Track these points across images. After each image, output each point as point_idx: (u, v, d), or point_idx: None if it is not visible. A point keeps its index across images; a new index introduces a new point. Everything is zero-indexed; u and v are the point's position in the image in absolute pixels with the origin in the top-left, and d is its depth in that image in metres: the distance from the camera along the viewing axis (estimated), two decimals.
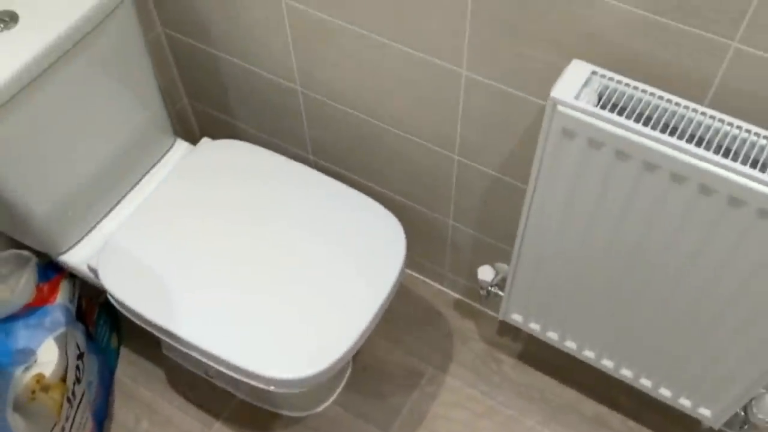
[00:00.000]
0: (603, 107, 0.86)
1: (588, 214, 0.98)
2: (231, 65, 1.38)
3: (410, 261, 1.62)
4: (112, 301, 1.19)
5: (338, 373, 1.50)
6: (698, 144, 0.83)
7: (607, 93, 0.87)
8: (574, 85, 0.87)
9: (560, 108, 0.86)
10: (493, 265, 1.37)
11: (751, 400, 1.20)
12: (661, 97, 0.86)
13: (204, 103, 1.56)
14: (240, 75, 1.39)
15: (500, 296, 1.35)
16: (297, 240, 1.21)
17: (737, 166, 0.80)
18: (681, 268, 0.97)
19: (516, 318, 1.32)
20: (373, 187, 1.44)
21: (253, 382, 1.11)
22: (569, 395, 1.50)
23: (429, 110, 1.18)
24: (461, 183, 1.28)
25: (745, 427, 1.25)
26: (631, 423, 1.47)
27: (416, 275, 1.66)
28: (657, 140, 0.82)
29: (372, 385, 1.52)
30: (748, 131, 0.83)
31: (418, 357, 1.56)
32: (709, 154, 0.81)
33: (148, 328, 1.17)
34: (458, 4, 0.97)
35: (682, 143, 0.82)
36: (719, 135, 0.84)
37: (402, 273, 1.20)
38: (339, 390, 1.51)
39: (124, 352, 1.57)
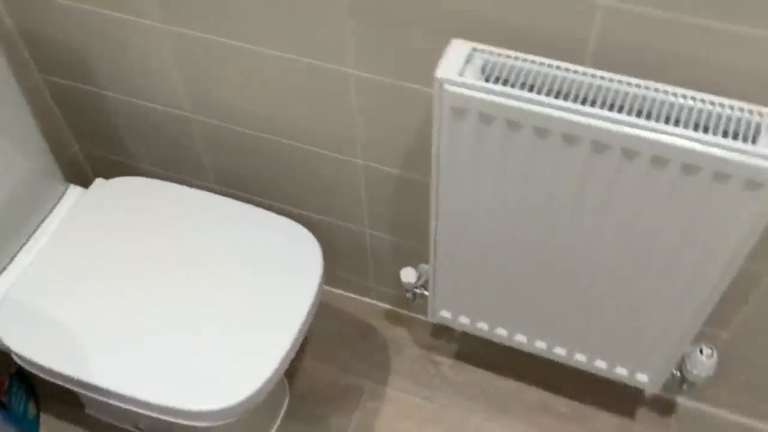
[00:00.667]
0: (488, 81, 0.86)
1: (494, 193, 0.98)
2: (119, 102, 1.33)
3: (334, 278, 1.59)
4: (18, 360, 1.11)
5: (275, 405, 1.45)
6: (584, 104, 0.84)
7: (489, 67, 0.88)
8: (457, 64, 0.86)
9: (446, 87, 0.86)
10: (415, 267, 1.35)
11: (683, 359, 1.22)
12: (542, 64, 0.86)
13: (96, 145, 1.50)
14: (130, 111, 1.34)
15: (427, 297, 1.34)
16: (207, 269, 1.17)
17: (624, 118, 0.81)
18: (590, 232, 0.97)
19: (445, 315, 1.30)
20: (285, 207, 1.41)
21: (181, 421, 1.05)
22: (511, 386, 1.49)
23: (325, 117, 1.16)
24: (370, 188, 1.27)
25: (684, 386, 1.26)
26: (576, 404, 1.47)
27: (342, 292, 1.63)
28: (543, 104, 0.83)
29: (312, 411, 1.47)
30: (630, 84, 0.84)
31: (356, 374, 1.52)
32: (596, 110, 0.82)
33: (64, 384, 1.10)
34: (335, 3, 0.96)
35: (568, 104, 0.82)
36: (603, 92, 0.85)
37: (320, 287, 1.16)
38: (278, 423, 1.45)
39: (45, 419, 1.47)
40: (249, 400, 1.03)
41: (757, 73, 0.82)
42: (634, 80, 0.84)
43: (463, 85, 0.85)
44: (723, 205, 0.85)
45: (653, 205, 0.89)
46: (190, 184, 1.45)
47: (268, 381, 1.04)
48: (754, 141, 0.80)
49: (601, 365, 1.24)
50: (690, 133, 0.80)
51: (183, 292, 1.14)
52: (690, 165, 0.82)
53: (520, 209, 0.99)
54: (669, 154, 0.82)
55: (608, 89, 0.84)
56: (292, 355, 1.10)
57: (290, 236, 1.21)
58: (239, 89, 1.18)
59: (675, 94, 0.83)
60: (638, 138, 0.81)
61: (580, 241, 0.99)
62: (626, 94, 0.84)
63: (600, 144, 0.84)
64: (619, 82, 0.84)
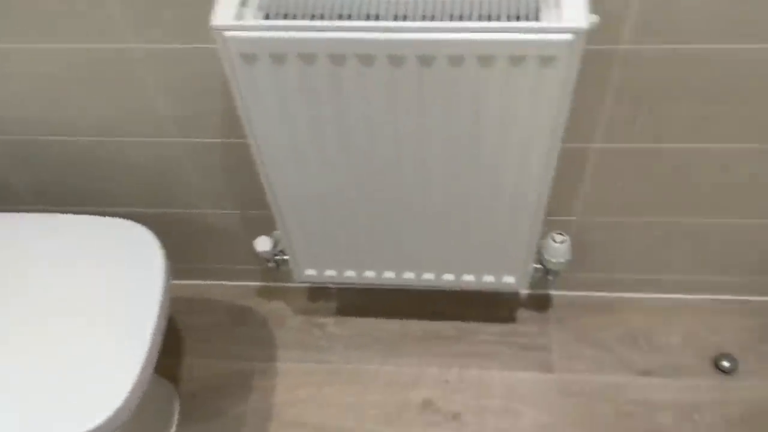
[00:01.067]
0: (268, 18, 0.82)
1: (313, 136, 0.95)
2: None
3: (194, 269, 1.52)
4: None
5: (165, 412, 1.38)
6: (371, 20, 0.82)
7: (267, 3, 0.84)
8: (232, 7, 0.82)
9: (227, 34, 0.81)
10: (270, 235, 1.31)
11: (541, 252, 1.26)
12: None
13: None
14: None
15: (288, 261, 1.30)
16: (38, 296, 1.07)
17: (411, 24, 0.80)
18: (416, 150, 0.97)
19: (310, 273, 1.28)
20: (119, 210, 1.33)
21: None
22: (396, 326, 1.49)
23: (124, 103, 1.08)
24: (197, 165, 1.21)
25: (549, 277, 1.31)
26: (460, 324, 1.49)
27: (207, 282, 1.57)
28: (328, 29, 0.80)
29: (208, 407, 1.41)
30: None
31: (242, 359, 1.47)
32: (382, 24, 0.80)
33: None
34: None
35: (353, 23, 0.80)
36: (387, 5, 0.83)
37: (165, 286, 1.08)
38: (174, 429, 1.39)
39: None
40: (112, 420, 0.96)
41: None
42: None
43: (243, 27, 0.81)
44: (527, 88, 0.86)
45: (465, 106, 0.89)
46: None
47: (132, 393, 0.98)
48: (537, 18, 0.81)
49: (469, 278, 1.26)
50: (475, 24, 0.80)
51: (15, 327, 1.04)
52: (484, 56, 0.82)
53: (344, 146, 0.97)
54: (462, 50, 0.81)
55: (392, 1, 0.83)
56: (153, 362, 1.03)
57: (123, 238, 1.13)
58: (34, 95, 1.08)
59: None
60: (430, 41, 0.81)
61: (409, 163, 0.99)
62: (411, 1, 0.83)
63: (395, 57, 0.83)
64: None
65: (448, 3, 0.83)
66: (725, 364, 1.38)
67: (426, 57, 0.82)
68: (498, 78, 0.85)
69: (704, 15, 0.89)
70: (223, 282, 1.56)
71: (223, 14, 0.81)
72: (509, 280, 1.25)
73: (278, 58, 0.84)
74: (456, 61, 0.83)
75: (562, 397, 1.39)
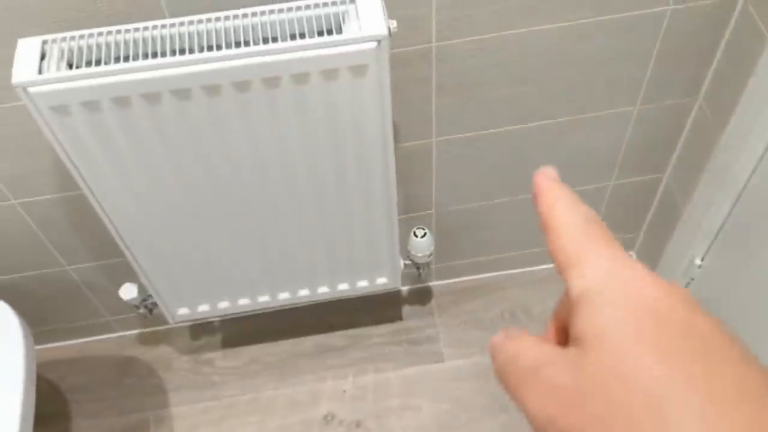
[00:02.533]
0: (72, 68, 0.81)
1: (147, 175, 0.94)
2: None
3: (66, 330, 1.46)
4: None
5: None
6: (178, 54, 0.82)
7: (69, 53, 0.82)
8: (32, 62, 0.80)
9: (31, 90, 0.79)
10: (134, 281, 1.28)
11: (407, 249, 1.29)
12: (122, 31, 0.83)
13: None
14: None
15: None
16: None
17: (221, 54, 0.81)
18: (256, 175, 0.97)
19: (184, 312, 1.26)
20: None
21: None
22: (285, 347, 1.49)
23: None
24: (42, 224, 1.16)
25: (421, 271, 1.34)
26: (351, 332, 1.51)
27: (84, 340, 1.51)
28: (133, 70, 0.80)
29: None
30: (210, 20, 0.83)
31: (136, 411, 1.43)
32: (189, 57, 0.80)
33: None
34: None
35: (162, 60, 0.80)
36: (194, 36, 0.83)
37: (28, 357, 1.03)
38: None
39: None
40: None
41: None
42: (215, 14, 0.84)
43: (46, 81, 0.79)
44: (347, 97, 0.88)
45: (292, 123, 0.90)
46: None
47: None
48: (341, 31, 0.83)
49: (344, 287, 1.27)
50: (285, 45, 0.81)
51: None
52: (298, 74, 0.83)
53: (181, 180, 0.96)
54: (275, 72, 0.83)
55: (203, 32, 0.83)
56: None
57: None
58: None
59: (264, 12, 0.84)
60: (241, 67, 0.81)
61: (251, 186, 0.99)
62: (226, 28, 0.83)
63: (210, 87, 0.83)
64: (200, 21, 0.83)
65: (258, 26, 0.84)
66: None
67: (241, 83, 0.83)
68: (317, 92, 0.86)
69: (496, 4, 0.94)
70: (102, 336, 1.51)
71: (24, 70, 0.79)
72: (382, 280, 1.28)
73: (90, 105, 0.82)
74: (272, 82, 0.84)
75: (456, 383, 1.42)
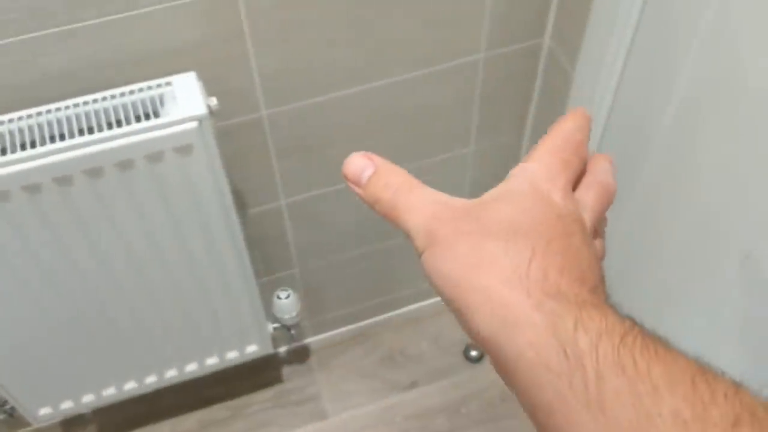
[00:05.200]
0: None
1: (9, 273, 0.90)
2: None
3: None
4: None
5: None
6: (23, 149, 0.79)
7: None
8: None
9: None
10: None
11: (272, 312, 1.29)
12: None
13: None
14: None
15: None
16: None
17: (36, 152, 0.79)
18: (102, 264, 0.95)
19: (46, 412, 1.19)
20: None
21: None
22: (165, 427, 1.44)
23: None
24: None
25: (292, 330, 1.34)
26: (230, 403, 1.48)
27: None
28: None
29: None
30: (30, 115, 0.82)
31: None
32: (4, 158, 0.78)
33: None
34: None
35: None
36: (28, 130, 0.81)
37: None
38: None
39: None
40: None
41: (145, 50, 0.86)
42: (35, 110, 0.82)
43: None
44: (179, 177, 0.88)
45: (127, 210, 0.89)
46: None
47: None
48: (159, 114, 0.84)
49: (213, 361, 1.25)
50: (103, 134, 0.81)
51: None
52: (121, 161, 0.83)
53: (23, 277, 0.92)
54: (98, 162, 0.82)
55: (10, 131, 0.81)
56: None
57: None
58: None
59: (78, 105, 0.83)
60: (60, 162, 0.80)
61: (97, 276, 0.97)
62: (32, 126, 0.81)
63: (30, 186, 0.81)
64: (28, 116, 0.81)
65: (74, 118, 0.83)
66: (473, 353, 1.51)
67: (62, 179, 0.81)
68: (145, 176, 0.86)
69: (321, 70, 0.98)
70: None
71: None
72: (252, 348, 1.27)
73: None
74: (96, 172, 0.83)
75: None
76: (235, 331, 1.20)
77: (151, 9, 0.83)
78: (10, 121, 0.81)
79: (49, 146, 0.80)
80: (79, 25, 0.81)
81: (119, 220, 0.90)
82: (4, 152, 0.80)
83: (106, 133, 0.81)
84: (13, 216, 0.83)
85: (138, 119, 0.83)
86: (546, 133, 0.34)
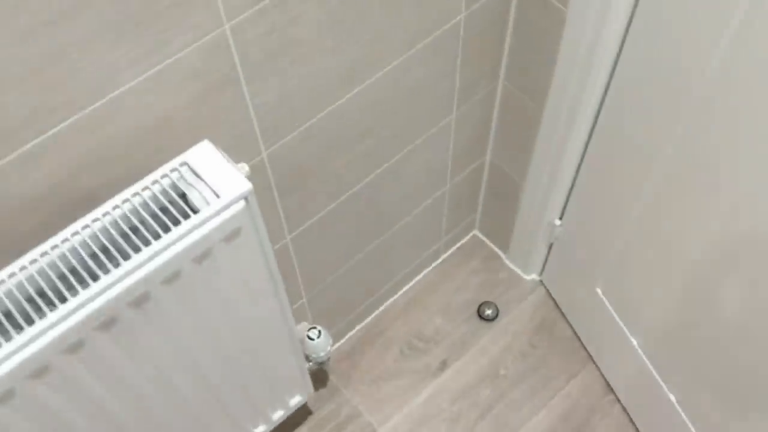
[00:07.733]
0: None
1: None
2: None
3: None
4: None
5: None
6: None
7: None
8: None
9: None
10: None
11: (306, 355, 1.16)
12: None
13: None
14: None
15: None
16: None
17: (71, 306, 0.62)
18: (171, 393, 0.79)
19: None
20: None
21: None
22: None
23: None
24: None
25: (324, 368, 1.22)
26: None
27: None
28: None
29: None
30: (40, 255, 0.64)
31: None
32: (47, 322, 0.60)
33: None
34: None
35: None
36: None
37: None
38: None
39: None
40: None
41: (135, 135, 0.68)
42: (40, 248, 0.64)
43: None
44: (229, 263, 0.73)
45: (188, 324, 0.74)
46: None
47: None
48: (195, 209, 0.68)
49: (263, 429, 1.12)
50: (145, 253, 0.64)
51: None
52: (167, 277, 0.67)
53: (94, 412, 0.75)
54: (143, 287, 0.65)
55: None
56: None
57: None
58: None
59: (95, 219, 0.66)
60: (106, 305, 0.63)
61: (159, 394, 0.81)
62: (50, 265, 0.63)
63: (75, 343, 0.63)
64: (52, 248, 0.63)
65: (87, 241, 0.65)
66: (488, 312, 1.46)
67: (107, 321, 0.65)
68: (194, 279, 0.70)
69: (312, 89, 0.84)
70: None
71: None
72: (296, 399, 1.16)
73: None
74: (139, 301, 0.66)
75: None
76: (283, 390, 1.08)
77: (133, 83, 0.65)
78: (22, 269, 0.62)
79: (83, 293, 0.62)
80: (49, 133, 0.62)
81: (175, 335, 0.74)
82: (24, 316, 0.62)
83: (145, 251, 0.64)
84: (66, 380, 0.66)
85: (157, 220, 0.67)
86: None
